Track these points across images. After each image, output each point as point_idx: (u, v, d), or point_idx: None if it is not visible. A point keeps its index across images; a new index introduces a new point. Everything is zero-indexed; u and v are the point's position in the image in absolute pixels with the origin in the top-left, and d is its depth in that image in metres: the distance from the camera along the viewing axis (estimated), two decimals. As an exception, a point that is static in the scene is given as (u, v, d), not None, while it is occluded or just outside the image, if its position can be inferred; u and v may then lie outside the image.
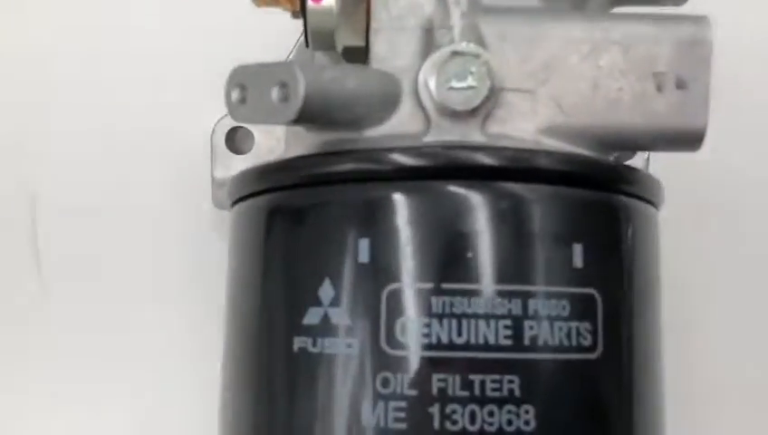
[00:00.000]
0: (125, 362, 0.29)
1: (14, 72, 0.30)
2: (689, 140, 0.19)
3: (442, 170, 0.17)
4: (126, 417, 0.28)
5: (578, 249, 0.17)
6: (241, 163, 0.27)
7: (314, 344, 0.17)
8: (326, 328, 0.17)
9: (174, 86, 0.31)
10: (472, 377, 0.16)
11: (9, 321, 0.29)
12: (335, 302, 0.17)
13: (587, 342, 0.17)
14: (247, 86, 0.18)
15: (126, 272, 0.30)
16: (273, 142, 0.27)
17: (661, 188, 0.21)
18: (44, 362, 0.29)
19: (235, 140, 0.29)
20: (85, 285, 0.29)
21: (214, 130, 0.28)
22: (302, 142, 0.21)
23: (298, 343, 0.18)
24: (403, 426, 0.16)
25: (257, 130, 0.28)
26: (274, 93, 0.17)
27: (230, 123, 0.28)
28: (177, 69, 0.30)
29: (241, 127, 0.28)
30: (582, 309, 0.17)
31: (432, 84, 0.18)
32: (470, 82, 0.18)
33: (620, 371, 0.18)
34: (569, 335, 0.17)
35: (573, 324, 0.17)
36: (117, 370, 0.29)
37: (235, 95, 0.18)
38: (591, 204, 0.18)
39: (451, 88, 0.18)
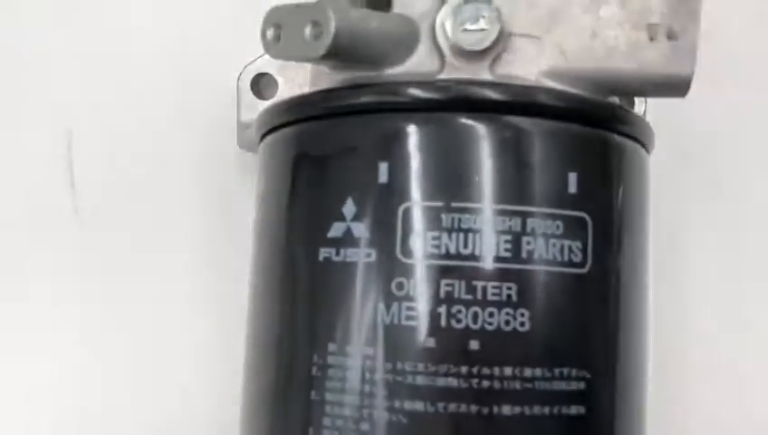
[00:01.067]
0: (153, 285, 0.31)
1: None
2: (678, 86, 0.21)
3: (453, 103, 0.19)
4: (153, 335, 0.30)
5: (572, 177, 0.20)
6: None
7: (337, 254, 0.20)
8: (348, 240, 0.20)
9: (201, 35, 0.33)
10: (475, 283, 0.19)
11: (45, 248, 0.31)
12: (357, 217, 0.20)
13: (577, 258, 0.20)
14: (282, 25, 0.20)
15: (153, 210, 0.32)
16: (295, 89, 0.29)
17: (652, 133, 0.23)
18: (78, 284, 0.31)
19: (260, 86, 0.31)
20: (117, 218, 0.32)
21: (240, 77, 0.30)
22: (326, 82, 0.23)
23: (323, 253, 0.20)
24: (414, 323, 0.19)
25: (281, 77, 0.30)
26: (307, 31, 0.19)
27: (255, 69, 0.31)
28: (204, 19, 0.32)
29: (265, 74, 0.30)
30: (574, 229, 0.20)
31: (448, 26, 0.20)
32: (482, 25, 0.20)
33: (607, 286, 0.20)
34: (561, 251, 0.19)
35: (566, 242, 0.19)
36: (145, 292, 0.31)
37: (270, 33, 0.20)
38: (586, 138, 0.20)
39: (465, 30, 0.20)
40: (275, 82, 0.31)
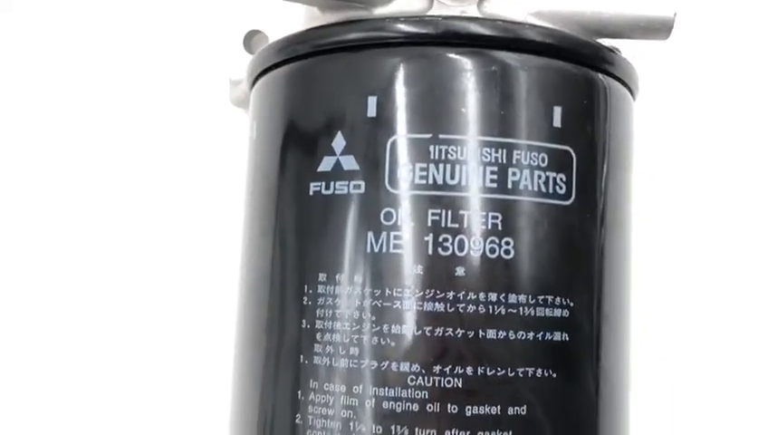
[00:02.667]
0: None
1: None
2: (660, 29, 0.22)
3: (440, 38, 0.20)
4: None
5: (557, 112, 0.20)
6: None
7: (327, 188, 0.20)
8: (337, 174, 0.20)
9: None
10: (462, 212, 0.19)
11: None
12: (346, 151, 0.20)
13: (562, 191, 0.20)
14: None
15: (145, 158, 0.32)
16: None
17: (637, 77, 0.23)
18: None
19: (251, 44, 0.31)
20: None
21: (231, 34, 0.30)
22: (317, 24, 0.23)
23: (313, 187, 0.20)
24: (402, 251, 0.19)
25: (272, 34, 0.30)
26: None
27: (247, 27, 0.31)
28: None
29: (257, 31, 0.31)
30: (559, 162, 0.20)
31: (436, -36, 0.21)
32: (469, -38, 0.20)
33: (591, 219, 0.21)
34: (546, 183, 0.20)
35: (551, 175, 0.20)
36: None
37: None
38: (571, 75, 0.21)
39: (452, -32, 0.20)
40: (267, 39, 0.31)
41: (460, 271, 0.19)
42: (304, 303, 0.20)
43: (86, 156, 0.32)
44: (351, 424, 0.19)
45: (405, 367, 0.19)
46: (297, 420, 0.20)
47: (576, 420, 0.20)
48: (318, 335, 0.20)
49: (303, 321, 0.20)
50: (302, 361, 0.20)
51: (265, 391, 0.21)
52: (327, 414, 0.19)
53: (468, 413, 0.19)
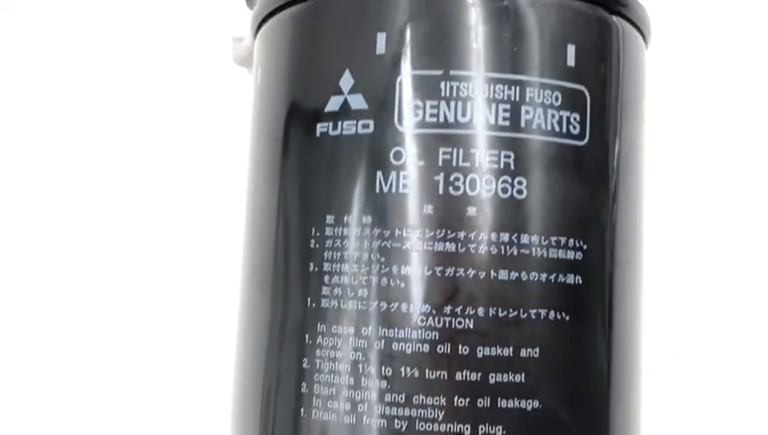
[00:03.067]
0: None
1: None
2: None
3: (453, -29, 0.19)
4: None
5: (571, 50, 0.20)
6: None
7: (335, 128, 0.20)
8: (345, 113, 0.19)
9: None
10: (473, 151, 0.19)
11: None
12: (354, 89, 0.19)
13: (575, 130, 0.20)
14: None
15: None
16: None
17: (650, 22, 0.23)
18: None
19: (254, 0, 0.31)
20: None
21: (233, -9, 0.30)
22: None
23: (320, 128, 0.20)
24: (412, 191, 0.19)
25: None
26: None
27: (250, -18, 0.30)
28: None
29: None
30: (573, 102, 0.19)
31: None
32: None
33: (604, 160, 0.20)
34: (560, 122, 0.19)
35: (564, 114, 0.19)
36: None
37: None
38: (585, 15, 0.20)
39: None
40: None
41: (471, 211, 0.19)
42: (311, 246, 0.20)
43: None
44: (360, 366, 0.18)
45: (415, 308, 0.18)
46: (305, 365, 0.19)
47: (588, 364, 0.19)
48: (326, 278, 0.19)
49: (311, 264, 0.19)
50: (309, 304, 0.19)
51: (272, 337, 0.20)
52: (335, 357, 0.19)
53: (480, 355, 0.18)
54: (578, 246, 0.19)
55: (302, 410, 0.19)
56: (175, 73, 0.32)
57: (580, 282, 0.19)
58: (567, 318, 0.19)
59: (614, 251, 0.20)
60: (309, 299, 0.19)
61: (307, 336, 0.19)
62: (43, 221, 0.31)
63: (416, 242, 0.19)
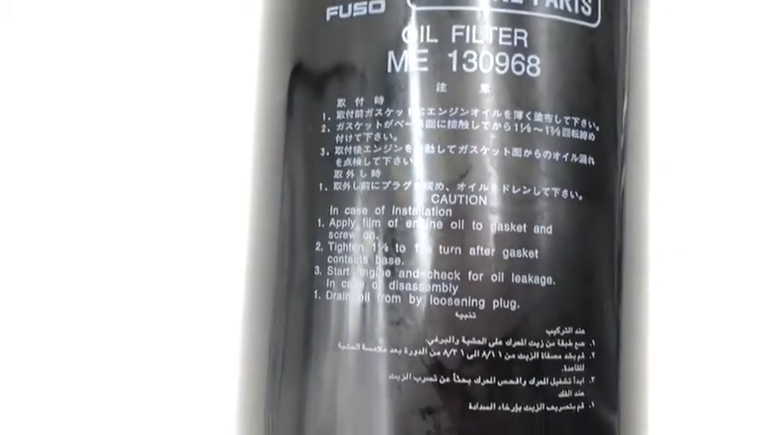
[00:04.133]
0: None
1: None
2: None
3: None
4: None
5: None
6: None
7: (345, 10, 0.19)
8: (357, -6, 0.19)
9: None
10: (486, 28, 0.19)
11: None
12: (365, -30, 0.19)
13: (588, 12, 0.19)
14: None
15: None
16: None
17: None
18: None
19: None
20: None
21: None
22: None
23: (330, 12, 0.20)
24: (425, 69, 0.19)
25: None
26: None
27: None
28: None
29: None
30: (585, -17, 0.19)
31: None
32: None
33: (617, 45, 0.20)
34: (572, 3, 0.19)
35: (576, -6, 0.19)
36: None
37: None
38: None
39: None
40: None
41: (485, 88, 0.18)
42: (323, 131, 0.19)
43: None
44: (374, 245, 0.18)
45: (428, 186, 0.18)
46: (317, 248, 0.19)
47: (601, 242, 0.19)
48: (338, 162, 0.19)
49: (322, 149, 0.19)
50: (321, 189, 0.19)
51: (283, 223, 0.20)
52: (348, 238, 0.19)
53: (493, 230, 0.18)
54: (591, 127, 0.19)
55: (315, 292, 0.19)
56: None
57: (593, 163, 0.19)
58: (580, 198, 0.19)
59: (626, 134, 0.20)
60: (321, 184, 0.19)
61: (319, 220, 0.19)
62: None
63: (428, 120, 0.18)
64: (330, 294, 0.19)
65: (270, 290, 0.20)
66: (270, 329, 0.20)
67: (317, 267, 0.19)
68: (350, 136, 0.19)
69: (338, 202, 0.19)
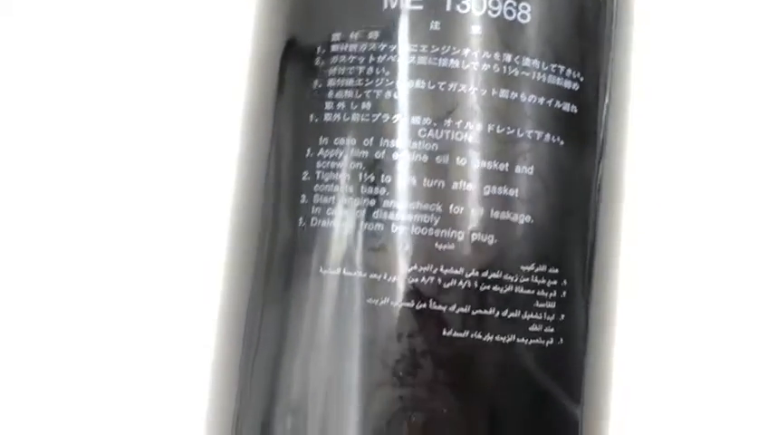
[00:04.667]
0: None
1: None
2: None
3: None
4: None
5: None
6: None
7: (343, -53, 0.20)
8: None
9: None
10: (481, -28, 0.19)
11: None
12: None
13: (579, -34, 0.20)
14: None
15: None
16: None
17: None
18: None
19: None
20: None
21: None
22: None
23: (329, -51, 0.20)
24: (419, 8, 0.19)
25: None
26: None
27: None
28: None
29: None
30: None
31: None
32: None
33: (602, 4, 0.21)
34: (565, -44, 0.20)
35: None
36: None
37: None
38: None
39: None
40: None
41: (476, 30, 0.19)
42: (316, 63, 0.20)
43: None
44: (360, 175, 0.19)
45: (416, 120, 0.19)
46: (304, 178, 0.20)
47: (579, 186, 0.20)
48: (329, 93, 0.20)
49: (315, 81, 0.20)
50: (312, 120, 0.20)
51: (271, 156, 0.21)
52: (336, 168, 0.19)
53: (476, 166, 0.19)
54: (575, 77, 0.20)
55: (300, 219, 0.20)
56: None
57: (575, 111, 0.20)
58: (561, 142, 0.20)
59: (608, 85, 0.21)
60: (312, 115, 0.20)
61: (308, 150, 0.20)
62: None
63: (420, 57, 0.19)
64: (314, 221, 0.20)
65: (257, 219, 0.21)
66: (255, 257, 0.21)
67: (303, 196, 0.20)
68: (344, 69, 0.20)
69: (328, 132, 0.20)
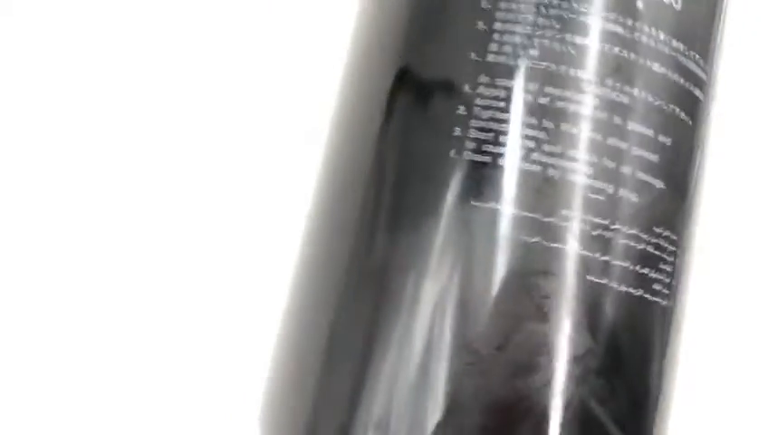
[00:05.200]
0: None
1: None
2: None
3: None
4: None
5: None
6: None
7: None
8: None
9: None
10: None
11: None
12: None
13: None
14: None
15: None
16: None
17: None
18: None
19: None
20: None
21: None
22: None
23: None
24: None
25: None
26: None
27: None
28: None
29: None
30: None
31: None
32: None
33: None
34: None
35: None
36: None
37: None
38: None
39: None
40: None
41: (641, 5, 0.21)
42: (483, 6, 0.20)
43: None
44: (521, 117, 0.20)
45: (581, 74, 0.20)
46: (460, 111, 0.20)
47: (694, 164, 0.22)
48: (495, 36, 0.20)
49: (480, 23, 0.20)
50: (473, 57, 0.20)
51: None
52: (494, 106, 0.20)
53: (629, 127, 0.20)
54: (704, 67, 0.22)
55: (452, 152, 0.20)
56: None
57: (702, 98, 0.22)
58: (690, 122, 0.21)
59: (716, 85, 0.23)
60: (473, 53, 0.20)
61: (467, 86, 0.20)
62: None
63: (591, 18, 0.20)
64: (467, 154, 0.20)
65: (406, 145, 0.21)
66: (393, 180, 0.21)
67: (457, 128, 0.20)
68: (512, 15, 0.20)
69: (490, 72, 0.20)
